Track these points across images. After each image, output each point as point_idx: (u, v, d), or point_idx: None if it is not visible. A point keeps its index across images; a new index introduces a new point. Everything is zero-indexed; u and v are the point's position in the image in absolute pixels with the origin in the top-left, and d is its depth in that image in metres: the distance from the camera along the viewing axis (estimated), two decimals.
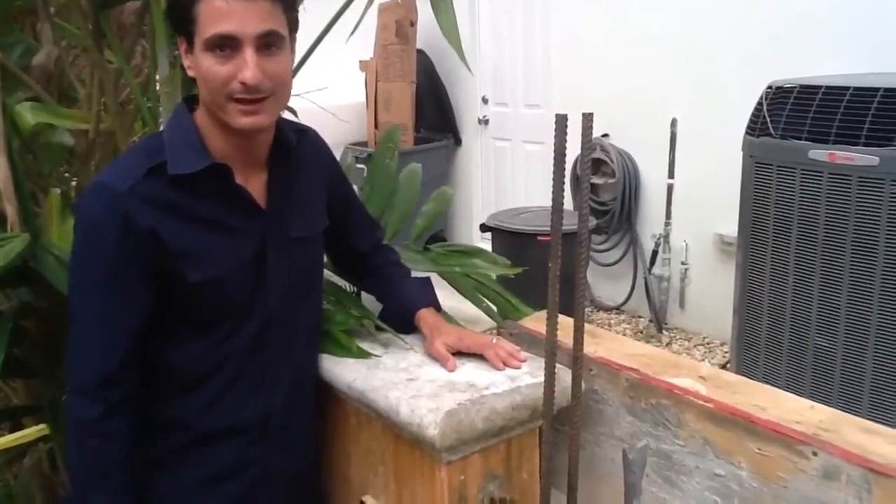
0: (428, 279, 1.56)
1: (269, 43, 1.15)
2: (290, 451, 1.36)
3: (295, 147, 1.31)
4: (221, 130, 1.21)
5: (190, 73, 1.19)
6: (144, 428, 1.24)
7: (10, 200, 1.42)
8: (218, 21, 1.11)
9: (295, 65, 1.48)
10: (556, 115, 1.04)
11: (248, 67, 1.12)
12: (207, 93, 1.17)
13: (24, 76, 1.63)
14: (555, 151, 1.06)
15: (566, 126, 1.05)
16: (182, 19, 1.14)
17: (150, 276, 1.19)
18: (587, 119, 1.07)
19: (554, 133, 1.05)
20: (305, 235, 1.35)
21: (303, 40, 1.63)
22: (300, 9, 1.81)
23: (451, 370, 1.30)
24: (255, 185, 1.27)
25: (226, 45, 1.12)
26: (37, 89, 1.65)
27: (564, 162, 1.06)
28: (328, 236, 1.44)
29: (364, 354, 1.37)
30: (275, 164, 1.29)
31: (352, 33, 1.38)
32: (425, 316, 1.43)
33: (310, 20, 1.91)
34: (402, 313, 1.46)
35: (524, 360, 1.32)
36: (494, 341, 1.35)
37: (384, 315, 1.49)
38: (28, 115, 1.59)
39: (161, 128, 1.32)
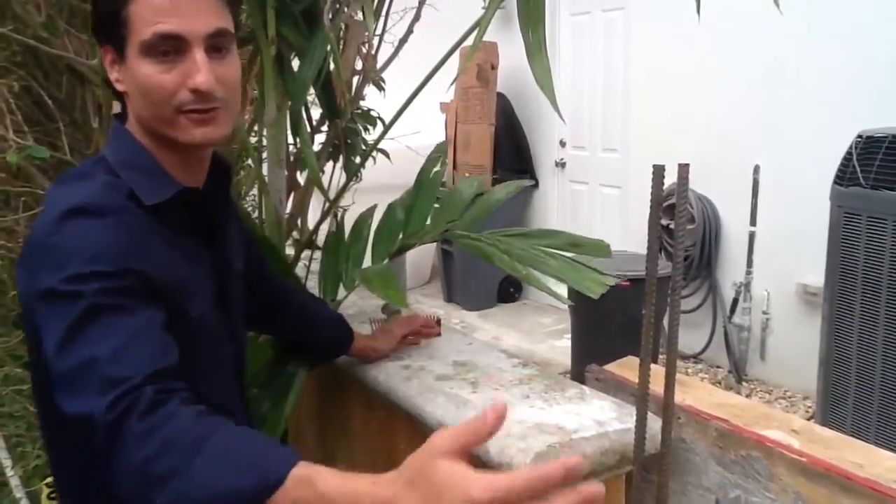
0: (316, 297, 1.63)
1: (219, 44, 0.98)
2: None
3: (232, 165, 1.12)
4: (164, 148, 1.02)
5: (119, 87, 0.99)
6: None
7: None
8: (159, 19, 0.93)
9: (396, 112, 1.56)
10: (654, 166, 1.07)
11: (201, 70, 0.95)
12: (148, 107, 0.98)
13: None
14: (651, 201, 1.08)
15: (663, 176, 1.08)
16: (110, 25, 0.96)
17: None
18: (683, 169, 1.09)
19: (651, 181, 1.07)
20: (241, 269, 1.19)
21: (401, 86, 1.71)
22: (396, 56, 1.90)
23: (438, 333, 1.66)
24: None
25: (169, 48, 0.95)
26: None
27: (660, 210, 1.09)
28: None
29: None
30: (210, 188, 1.11)
31: (453, 82, 1.43)
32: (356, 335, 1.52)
33: (402, 67, 2.00)
34: (340, 339, 1.50)
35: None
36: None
37: (314, 346, 1.50)
38: None
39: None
